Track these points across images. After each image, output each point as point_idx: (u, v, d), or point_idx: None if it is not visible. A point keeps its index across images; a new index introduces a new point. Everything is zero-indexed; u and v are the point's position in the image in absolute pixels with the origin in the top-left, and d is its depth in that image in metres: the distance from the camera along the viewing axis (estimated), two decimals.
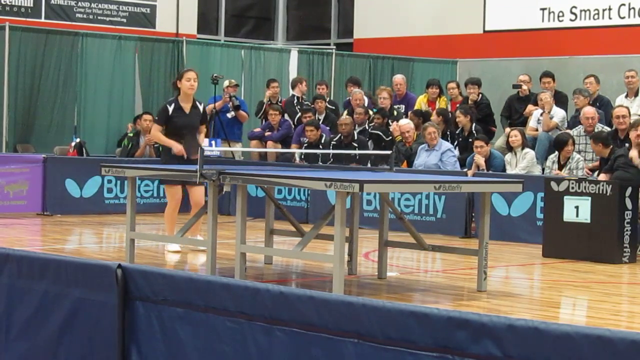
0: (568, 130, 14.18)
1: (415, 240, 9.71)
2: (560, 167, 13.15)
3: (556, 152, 13.41)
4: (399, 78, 17.41)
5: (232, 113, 16.86)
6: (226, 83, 16.83)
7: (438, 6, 20.34)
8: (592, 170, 13.29)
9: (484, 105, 16.09)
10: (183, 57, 18.08)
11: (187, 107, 10.91)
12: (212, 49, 18.72)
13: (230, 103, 16.70)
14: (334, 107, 17.16)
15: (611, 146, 12.82)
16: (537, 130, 14.89)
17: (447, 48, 19.97)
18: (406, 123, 15.10)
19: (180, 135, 10.88)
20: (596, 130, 13.64)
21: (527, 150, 13.91)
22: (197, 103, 11.03)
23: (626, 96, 14.89)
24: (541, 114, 14.83)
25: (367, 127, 15.74)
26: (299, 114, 16.72)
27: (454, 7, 20.08)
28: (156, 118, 10.95)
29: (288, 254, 10.30)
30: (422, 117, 15.67)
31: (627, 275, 10.61)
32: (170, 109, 10.84)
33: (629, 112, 13.35)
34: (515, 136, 13.94)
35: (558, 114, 14.87)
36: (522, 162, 13.75)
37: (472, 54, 19.63)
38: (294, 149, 15.87)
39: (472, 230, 13.27)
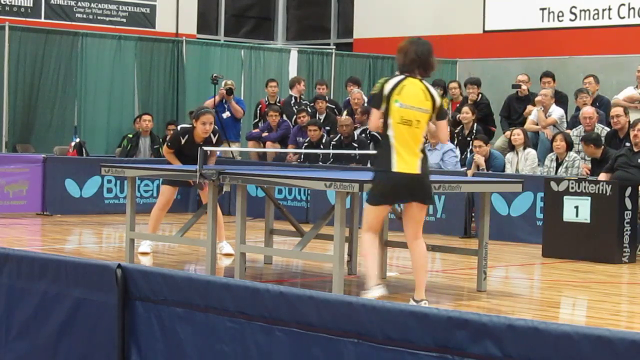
0: (568, 131, 14.18)
1: None
2: (558, 166, 13.17)
3: (554, 152, 13.41)
4: None
5: (228, 112, 16.81)
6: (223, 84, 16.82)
7: (438, 6, 20.33)
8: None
9: (483, 105, 16.07)
10: (183, 57, 18.07)
11: (199, 140, 10.94)
12: (211, 48, 18.71)
13: (225, 92, 16.58)
14: (334, 107, 17.12)
15: (602, 147, 12.81)
16: (537, 124, 14.89)
17: (447, 48, 19.92)
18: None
19: (188, 162, 10.89)
20: (596, 130, 13.63)
21: (529, 150, 13.91)
22: (211, 136, 11.05)
23: (636, 87, 14.93)
24: (542, 110, 14.83)
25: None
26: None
27: (453, 7, 20.07)
28: (168, 143, 11.02)
29: (288, 254, 10.30)
30: None
31: (627, 275, 10.61)
32: (183, 140, 10.92)
33: (625, 112, 13.32)
34: (518, 134, 13.95)
35: (556, 112, 14.87)
36: (526, 163, 13.75)
37: (472, 54, 19.62)
38: (292, 149, 15.85)
39: (472, 230, 13.26)
